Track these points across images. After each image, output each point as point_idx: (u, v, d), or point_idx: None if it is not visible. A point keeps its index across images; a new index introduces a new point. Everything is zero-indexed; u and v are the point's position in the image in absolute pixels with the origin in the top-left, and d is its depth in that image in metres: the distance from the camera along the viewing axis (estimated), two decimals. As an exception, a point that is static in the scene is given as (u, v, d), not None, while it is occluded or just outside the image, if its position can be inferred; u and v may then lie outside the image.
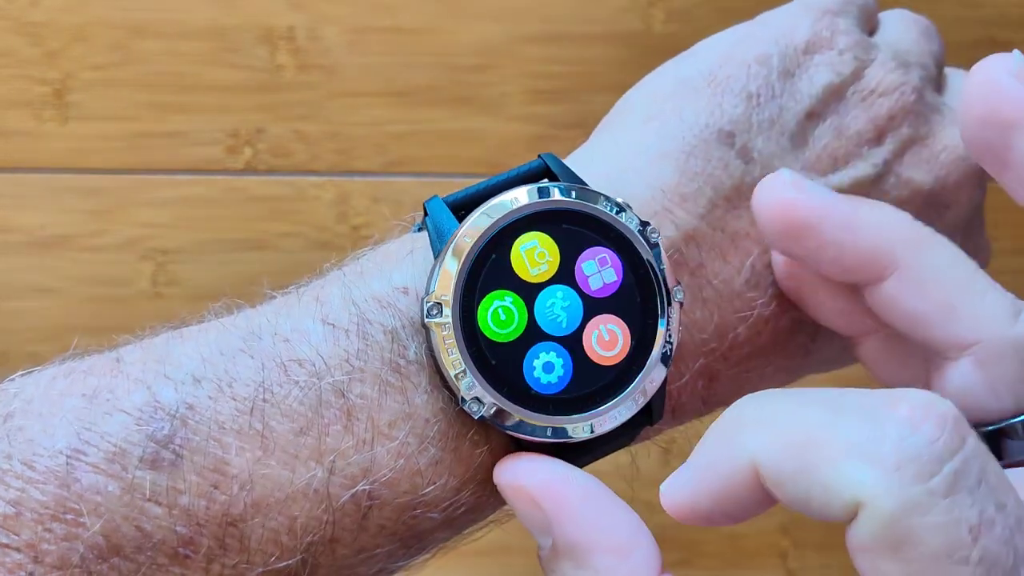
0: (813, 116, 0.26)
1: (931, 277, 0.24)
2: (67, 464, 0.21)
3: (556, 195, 0.23)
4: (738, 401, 0.20)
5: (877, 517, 0.17)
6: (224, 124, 0.71)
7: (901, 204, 0.26)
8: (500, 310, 0.22)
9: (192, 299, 0.74)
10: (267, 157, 0.71)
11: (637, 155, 0.26)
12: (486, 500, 0.24)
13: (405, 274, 0.24)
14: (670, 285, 0.23)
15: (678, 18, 0.74)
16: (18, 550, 0.21)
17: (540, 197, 0.23)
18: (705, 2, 0.75)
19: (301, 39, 0.71)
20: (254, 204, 0.71)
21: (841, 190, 0.26)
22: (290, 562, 0.22)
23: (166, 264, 0.70)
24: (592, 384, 0.22)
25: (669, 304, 0.23)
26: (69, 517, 0.21)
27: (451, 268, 0.22)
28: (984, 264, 0.28)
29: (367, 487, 0.22)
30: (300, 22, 0.72)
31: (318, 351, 0.23)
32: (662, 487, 0.21)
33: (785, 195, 0.23)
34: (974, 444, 0.17)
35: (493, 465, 0.23)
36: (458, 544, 0.26)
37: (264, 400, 0.22)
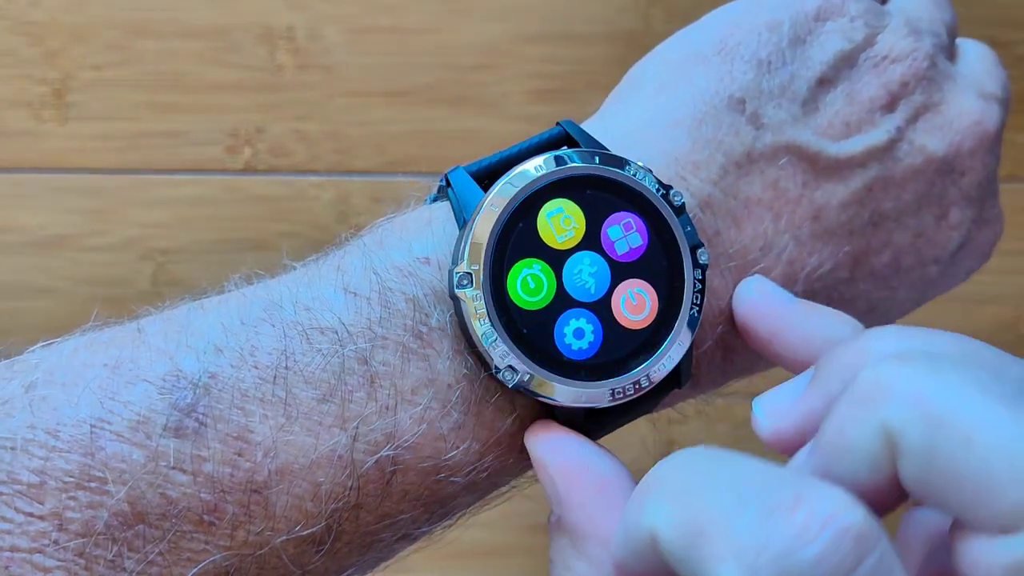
0: (824, 82, 0.26)
1: None
2: (91, 433, 0.21)
3: (578, 161, 0.23)
4: (670, 456, 0.19)
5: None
6: (224, 124, 0.71)
7: (915, 172, 0.26)
8: (529, 278, 0.22)
9: (192, 299, 0.74)
10: (267, 157, 0.71)
11: (649, 123, 0.26)
12: (509, 465, 0.24)
13: (425, 244, 0.24)
14: (695, 246, 0.23)
15: (678, 18, 0.74)
16: (42, 518, 0.21)
17: (562, 164, 0.23)
18: (705, 1, 0.76)
19: (301, 39, 0.71)
20: (254, 204, 0.71)
21: (855, 156, 0.26)
22: (314, 529, 0.22)
23: (166, 264, 0.70)
24: (622, 349, 0.23)
25: (695, 266, 0.23)
26: (93, 485, 0.21)
27: (479, 238, 0.22)
28: (996, 235, 0.28)
29: (390, 452, 0.22)
30: (300, 22, 0.72)
31: (340, 319, 0.23)
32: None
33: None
34: (873, 563, 0.15)
35: (517, 431, 0.23)
36: (459, 546, 0.26)
37: (286, 368, 0.22)
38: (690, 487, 0.17)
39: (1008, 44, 0.71)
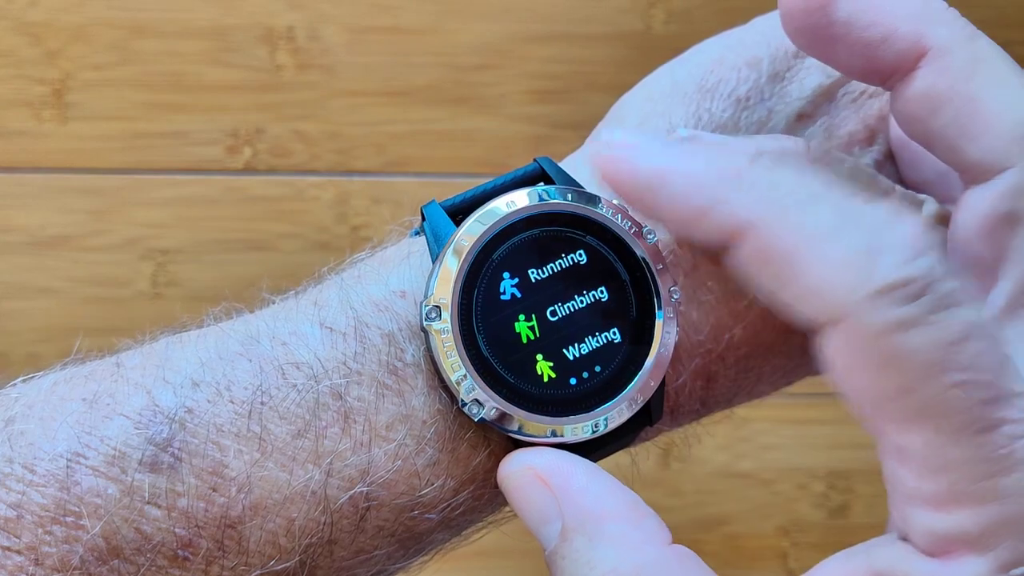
0: (803, 117, 0.26)
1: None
2: (67, 467, 0.21)
3: (551, 198, 0.23)
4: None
5: (863, 332, 0.18)
6: (224, 124, 0.71)
7: None
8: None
9: (192, 299, 0.74)
10: (267, 157, 0.71)
11: None
12: (484, 502, 0.24)
13: (402, 278, 0.24)
14: (666, 286, 0.23)
15: (678, 18, 0.74)
16: (19, 552, 0.21)
17: (536, 200, 0.23)
18: (705, 3, 0.75)
19: (301, 39, 0.71)
20: (254, 204, 0.71)
21: None
22: (288, 564, 0.22)
23: (166, 264, 0.70)
24: (591, 385, 0.23)
25: (666, 304, 0.23)
26: (69, 520, 0.21)
27: (448, 273, 0.22)
28: None
29: (364, 489, 0.22)
30: (300, 22, 0.72)
31: (316, 354, 0.23)
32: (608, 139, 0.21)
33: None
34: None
35: (492, 467, 0.23)
36: (458, 546, 0.26)
37: (262, 403, 0.22)
38: (795, 190, 0.20)
39: (1007, 44, 0.71)
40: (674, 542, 0.21)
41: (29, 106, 0.70)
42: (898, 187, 0.24)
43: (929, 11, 0.21)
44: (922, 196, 0.24)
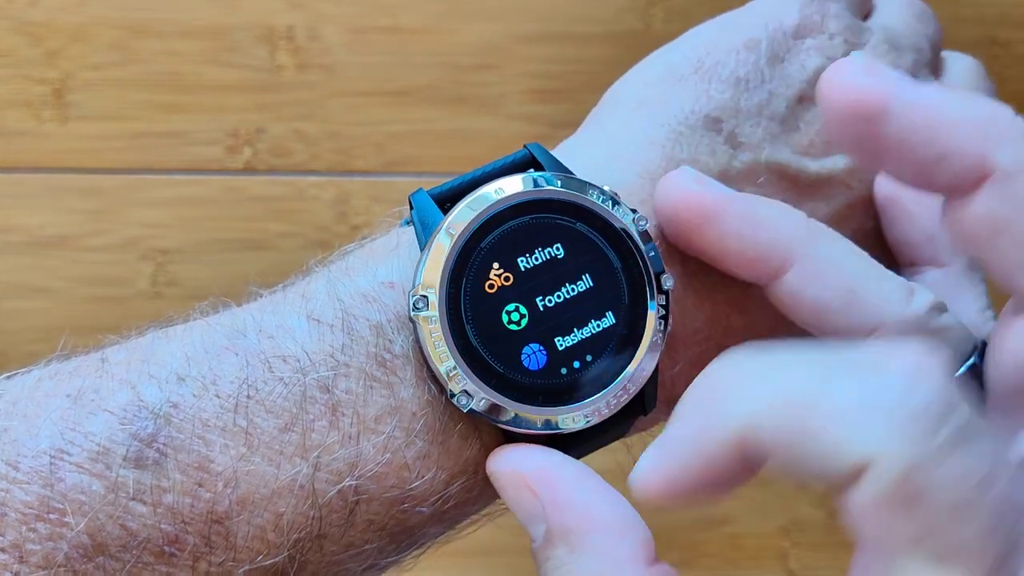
0: (804, 100, 0.26)
1: (829, 267, 0.23)
2: (51, 464, 0.21)
3: (543, 185, 0.23)
4: (712, 365, 0.19)
5: (888, 475, 0.16)
6: (224, 124, 0.71)
7: None
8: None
9: (191, 299, 0.73)
10: (267, 157, 0.71)
11: (625, 143, 0.25)
12: (476, 494, 0.24)
13: (390, 269, 0.24)
14: (658, 272, 0.23)
15: (678, 17, 0.74)
16: (3, 550, 0.21)
17: (526, 187, 0.23)
18: (705, 1, 0.75)
19: (301, 39, 0.71)
20: (254, 204, 0.71)
21: (836, 174, 0.25)
22: (277, 559, 0.22)
23: (166, 264, 0.70)
24: (583, 375, 0.22)
25: (659, 291, 0.23)
26: (53, 517, 0.21)
27: (436, 261, 0.22)
28: None
29: (353, 482, 0.22)
30: (300, 22, 0.72)
31: (303, 347, 0.23)
32: (633, 475, 0.20)
33: (689, 188, 0.23)
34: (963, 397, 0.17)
35: (483, 459, 0.23)
36: (449, 540, 0.26)
37: (248, 397, 0.22)
38: (768, 375, 0.18)
39: (1008, 44, 0.71)
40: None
41: (29, 106, 0.70)
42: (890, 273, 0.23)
43: (995, 127, 0.19)
44: (911, 284, 0.23)
